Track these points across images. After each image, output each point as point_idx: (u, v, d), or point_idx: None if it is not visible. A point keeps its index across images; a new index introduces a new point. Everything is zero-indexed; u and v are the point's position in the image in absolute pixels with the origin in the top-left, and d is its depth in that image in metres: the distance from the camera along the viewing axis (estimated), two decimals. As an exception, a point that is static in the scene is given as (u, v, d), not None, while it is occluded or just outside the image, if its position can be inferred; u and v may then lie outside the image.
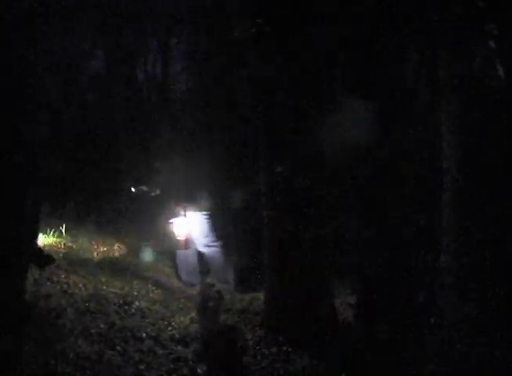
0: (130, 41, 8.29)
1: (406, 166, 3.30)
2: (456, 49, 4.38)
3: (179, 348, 3.62)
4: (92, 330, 3.60)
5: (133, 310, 4.10)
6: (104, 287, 4.45)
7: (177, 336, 3.77)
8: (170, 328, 3.93)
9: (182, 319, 4.11)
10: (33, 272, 4.40)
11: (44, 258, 5.23)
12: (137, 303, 4.24)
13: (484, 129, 5.27)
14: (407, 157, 3.34)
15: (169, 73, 9.30)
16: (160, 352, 3.54)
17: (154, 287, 4.77)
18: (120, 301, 4.18)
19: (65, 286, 4.43)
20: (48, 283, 4.47)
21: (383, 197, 3.20)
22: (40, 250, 5.28)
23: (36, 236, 4.80)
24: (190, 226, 4.94)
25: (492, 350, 3.18)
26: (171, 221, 4.95)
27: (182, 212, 4.83)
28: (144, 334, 3.71)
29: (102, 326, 3.70)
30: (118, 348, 3.46)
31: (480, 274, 4.23)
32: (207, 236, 4.89)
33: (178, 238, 5.02)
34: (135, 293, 4.51)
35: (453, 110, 4.69)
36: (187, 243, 5.04)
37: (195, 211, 4.84)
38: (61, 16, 5.80)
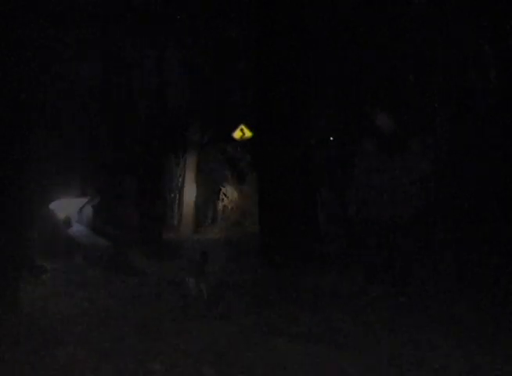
0: (127, 47, 8.26)
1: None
2: (455, 50, 4.42)
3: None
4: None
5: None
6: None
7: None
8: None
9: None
10: (30, 281, 4.40)
11: (37, 268, 5.20)
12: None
13: (480, 132, 5.31)
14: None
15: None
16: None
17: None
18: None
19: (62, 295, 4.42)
20: (44, 292, 4.45)
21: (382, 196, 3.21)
22: (33, 260, 5.24)
23: (29, 246, 4.78)
24: (68, 209, 6.21)
25: (492, 348, 3.15)
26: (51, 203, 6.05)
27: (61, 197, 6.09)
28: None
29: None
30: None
31: (479, 272, 4.23)
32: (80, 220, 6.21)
33: (59, 217, 6.18)
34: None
35: (451, 112, 4.73)
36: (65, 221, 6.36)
37: (75, 197, 6.27)
38: (60, 21, 5.81)
